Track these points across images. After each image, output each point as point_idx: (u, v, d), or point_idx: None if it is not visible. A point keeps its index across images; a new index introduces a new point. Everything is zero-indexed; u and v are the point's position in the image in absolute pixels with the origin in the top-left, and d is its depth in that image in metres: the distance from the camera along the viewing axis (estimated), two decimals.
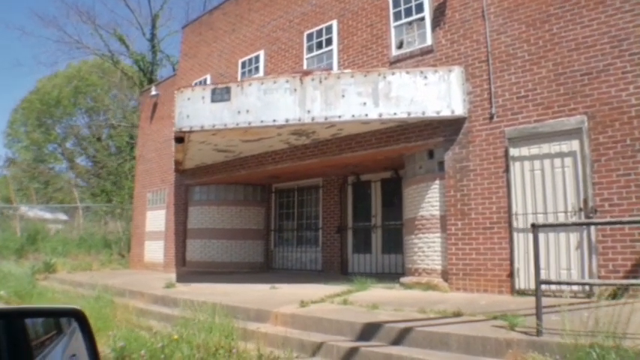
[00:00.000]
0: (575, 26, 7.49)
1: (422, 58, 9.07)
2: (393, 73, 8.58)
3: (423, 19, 9.20)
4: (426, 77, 8.47)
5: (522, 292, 7.51)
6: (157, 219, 14.84)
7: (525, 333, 5.15)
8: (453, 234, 8.31)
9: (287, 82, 8.92)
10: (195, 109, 9.29)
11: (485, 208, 8.02)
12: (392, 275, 10.28)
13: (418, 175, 9.17)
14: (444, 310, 6.40)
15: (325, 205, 12.17)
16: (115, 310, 8.42)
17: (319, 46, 10.93)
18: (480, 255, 7.99)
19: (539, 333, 4.98)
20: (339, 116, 8.60)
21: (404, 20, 9.50)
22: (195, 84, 14.11)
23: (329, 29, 10.73)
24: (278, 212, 13.66)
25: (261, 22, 12.45)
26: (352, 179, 11.91)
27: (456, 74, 8.43)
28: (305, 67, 11.12)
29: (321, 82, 8.75)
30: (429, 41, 9.04)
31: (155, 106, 15.84)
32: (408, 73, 8.54)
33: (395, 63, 9.40)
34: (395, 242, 11.02)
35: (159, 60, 25.92)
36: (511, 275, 7.66)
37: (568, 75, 7.46)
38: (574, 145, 7.39)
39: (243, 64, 12.64)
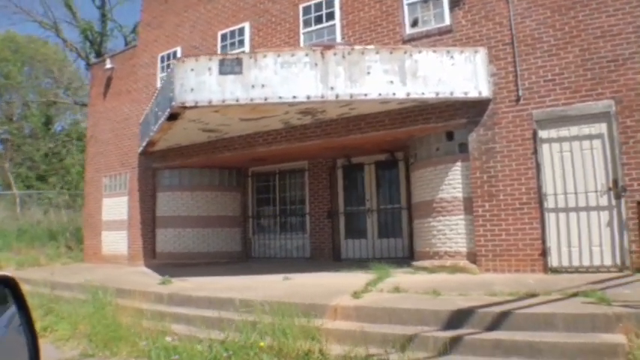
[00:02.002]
0: (601, 14, 7.76)
1: (440, 38, 8.93)
2: (420, 52, 8.34)
3: None
4: (452, 57, 8.34)
5: (555, 270, 7.74)
6: (116, 206, 13.32)
7: (626, 307, 5.25)
8: (480, 215, 8.34)
9: (307, 55, 8.32)
10: (200, 82, 8.34)
11: (515, 189, 8.13)
12: (390, 260, 10.12)
13: (435, 157, 9.07)
14: (516, 292, 6.34)
15: (312, 189, 11.70)
16: (117, 313, 7.40)
17: (318, 20, 10.35)
18: (510, 235, 8.10)
19: None
20: (366, 94, 8.20)
21: None
22: (162, 57, 12.79)
23: (330, 3, 10.19)
24: (256, 198, 12.91)
25: None
26: (342, 162, 11.56)
27: (481, 55, 8.40)
28: (302, 42, 10.50)
29: (344, 57, 8.27)
30: (447, 21, 8.91)
31: (109, 80, 14.13)
32: (435, 52, 8.36)
33: (409, 42, 9.15)
34: (392, 226, 10.91)
35: (109, 30, 23.14)
36: (543, 254, 7.86)
37: (595, 61, 7.74)
38: (602, 127, 7.70)
39: (224, 37, 11.65)
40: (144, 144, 11.72)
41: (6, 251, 13.95)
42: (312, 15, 10.43)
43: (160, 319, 7.22)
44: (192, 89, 8.34)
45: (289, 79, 8.26)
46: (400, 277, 8.37)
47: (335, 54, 8.28)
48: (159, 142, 11.18)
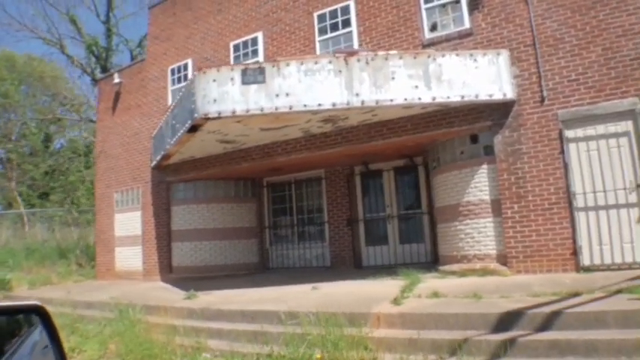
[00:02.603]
0: (621, 14, 7.83)
1: (460, 42, 8.96)
2: (443, 56, 8.36)
3: (458, 1, 9.08)
4: (475, 60, 8.36)
5: (587, 269, 7.73)
6: (129, 222, 13.14)
7: None
8: (509, 217, 8.33)
9: (330, 62, 8.30)
10: (223, 92, 8.28)
11: (543, 189, 8.14)
12: (413, 265, 10.07)
13: (459, 160, 9.07)
14: (558, 292, 6.32)
15: (330, 197, 11.63)
16: (148, 331, 7.24)
17: (334, 27, 10.35)
18: (540, 236, 8.09)
19: None
20: (391, 100, 8.19)
21: (436, 2, 9.31)
22: (173, 69, 12.71)
23: (345, 10, 10.20)
24: (272, 208, 12.81)
25: (256, 2, 11.50)
26: (360, 169, 11.51)
27: (503, 57, 8.43)
28: (318, 50, 10.49)
29: (367, 63, 8.26)
30: (467, 24, 8.95)
31: (118, 95, 14.00)
32: (457, 55, 8.38)
33: (429, 46, 9.18)
34: (414, 231, 10.88)
35: (114, 45, 22.91)
36: (575, 253, 7.86)
37: (618, 59, 7.79)
38: (628, 125, 7.74)
39: (236, 48, 11.61)
40: (158, 158, 11.60)
41: (17, 270, 13.66)
42: (328, 22, 10.43)
43: (195, 335, 7.09)
44: (214, 100, 8.28)
45: (314, 87, 8.23)
46: (431, 282, 8.32)
47: (358, 60, 8.28)
48: (174, 155, 11.07)
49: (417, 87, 8.22)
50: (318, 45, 10.51)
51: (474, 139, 8.91)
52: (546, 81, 8.22)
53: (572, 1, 8.15)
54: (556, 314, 5.55)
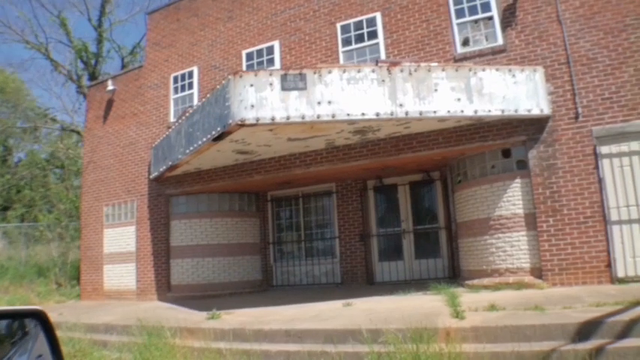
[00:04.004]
0: None
1: (493, 57, 9.08)
2: (484, 70, 8.42)
3: (491, 18, 9.23)
4: (514, 76, 8.48)
5: (622, 281, 7.90)
6: (121, 237, 12.14)
7: None
8: (545, 231, 8.40)
9: (373, 71, 8.14)
10: (261, 98, 7.88)
11: (578, 203, 8.29)
12: (429, 281, 9.94)
13: (490, 174, 9.10)
14: (621, 301, 6.34)
15: (342, 211, 11.33)
16: (173, 355, 6.60)
17: (359, 39, 10.22)
18: (575, 249, 8.21)
19: None
20: (435, 111, 8.11)
21: (468, 18, 9.43)
22: (176, 77, 12.06)
23: (371, 22, 10.11)
24: (276, 223, 12.31)
25: (272, 9, 11.19)
26: (374, 183, 11.32)
27: (540, 74, 8.61)
28: (341, 60, 10.31)
29: (410, 73, 8.17)
30: (499, 40, 9.10)
31: (111, 103, 13.04)
32: (497, 70, 8.46)
33: (461, 61, 9.23)
34: (430, 247, 10.77)
35: (105, 52, 21.34)
36: (609, 265, 8.01)
37: None
38: None
39: (249, 56, 11.20)
40: (162, 169, 10.88)
41: None
42: (352, 33, 10.30)
43: (244, 358, 6.52)
44: (252, 105, 7.86)
45: (356, 96, 8.02)
46: (470, 296, 8.19)
47: (401, 71, 8.17)
48: (182, 166, 10.41)
49: (459, 100, 8.21)
50: (341, 56, 10.33)
51: (507, 153, 8.99)
52: (580, 98, 8.45)
53: (604, 24, 8.48)
54: (635, 322, 5.57)
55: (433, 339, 5.86)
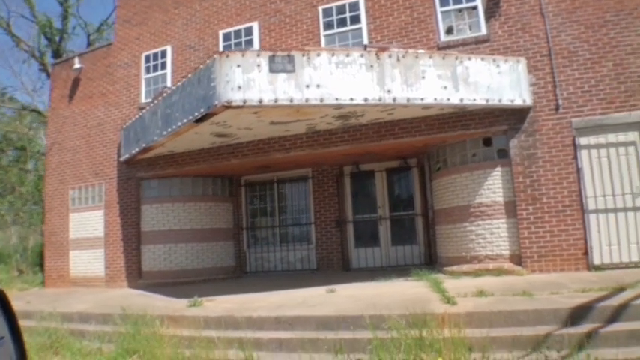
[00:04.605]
0: (630, 33, 8.51)
1: (476, 47, 9.14)
2: (469, 59, 8.46)
3: (475, 7, 9.29)
4: (498, 66, 8.57)
5: (598, 268, 8.21)
6: (88, 222, 11.51)
7: None
8: (524, 218, 8.60)
9: (362, 56, 8.02)
10: (248, 79, 7.63)
11: (557, 192, 8.52)
12: (405, 268, 10.06)
13: (471, 162, 9.21)
14: (605, 287, 6.58)
15: (317, 197, 11.21)
16: (161, 345, 6.34)
17: (342, 23, 10.05)
18: (554, 237, 8.46)
19: None
20: (422, 98, 8.10)
21: (453, 7, 9.44)
22: (147, 56, 11.50)
23: (354, 6, 9.96)
24: (249, 208, 12.04)
25: None
26: (350, 169, 11.26)
27: (522, 65, 8.74)
28: (323, 44, 10.11)
29: (399, 59, 8.11)
30: (483, 30, 9.17)
31: (77, 81, 12.26)
32: (482, 59, 8.53)
33: (444, 49, 9.24)
34: (407, 233, 10.85)
35: (71, 28, 19.79)
36: (586, 253, 8.31)
37: (627, 75, 8.43)
38: (635, 135, 8.40)
39: (227, 36, 10.80)
40: (134, 151, 10.39)
41: None
42: (335, 17, 10.12)
43: (216, 347, 6.30)
44: (239, 87, 7.59)
45: (345, 80, 7.89)
46: (451, 282, 8.29)
47: (390, 56, 8.09)
48: (156, 148, 9.97)
49: (445, 87, 8.23)
50: (323, 40, 10.14)
51: (487, 142, 9.12)
52: (561, 90, 8.65)
53: (585, 18, 8.68)
54: (623, 307, 5.81)
55: (430, 324, 5.91)
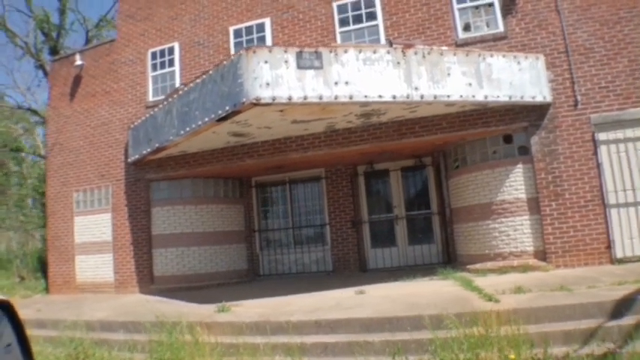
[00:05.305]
0: None
1: (494, 44, 9.19)
2: (492, 55, 8.50)
3: (491, 4, 9.34)
4: (519, 63, 8.63)
5: (621, 261, 8.34)
6: (95, 226, 11.11)
7: None
8: (548, 214, 8.68)
9: (388, 53, 7.97)
10: (277, 76, 7.47)
11: (579, 188, 8.63)
12: (423, 267, 10.05)
13: (492, 159, 9.25)
14: (638, 279, 6.71)
15: (331, 197, 11.10)
16: (201, 353, 6.15)
17: (357, 19, 9.98)
18: (577, 232, 8.55)
19: None
20: (448, 96, 8.10)
21: (469, 4, 9.48)
22: (154, 53, 11.20)
23: (370, 2, 9.90)
24: (261, 209, 11.83)
25: None
26: (364, 169, 11.17)
27: (541, 62, 8.83)
28: (339, 41, 10.02)
29: (424, 57, 8.09)
30: (500, 27, 9.23)
31: (79, 79, 11.83)
32: (504, 56, 8.57)
33: (462, 46, 9.26)
34: (424, 232, 10.83)
35: (69, 23, 18.98)
36: (609, 247, 8.43)
37: None
38: None
39: (237, 33, 10.60)
40: (145, 151, 10.09)
41: None
42: (350, 14, 10.04)
43: (256, 355, 6.14)
44: (267, 84, 7.43)
45: (372, 77, 7.82)
46: (481, 280, 8.27)
47: (415, 53, 8.06)
48: (169, 149, 9.70)
49: (470, 84, 8.24)
50: (339, 37, 10.05)
51: (508, 139, 9.17)
52: (579, 86, 8.77)
53: (600, 15, 8.83)
54: None
55: (487, 322, 5.85)
